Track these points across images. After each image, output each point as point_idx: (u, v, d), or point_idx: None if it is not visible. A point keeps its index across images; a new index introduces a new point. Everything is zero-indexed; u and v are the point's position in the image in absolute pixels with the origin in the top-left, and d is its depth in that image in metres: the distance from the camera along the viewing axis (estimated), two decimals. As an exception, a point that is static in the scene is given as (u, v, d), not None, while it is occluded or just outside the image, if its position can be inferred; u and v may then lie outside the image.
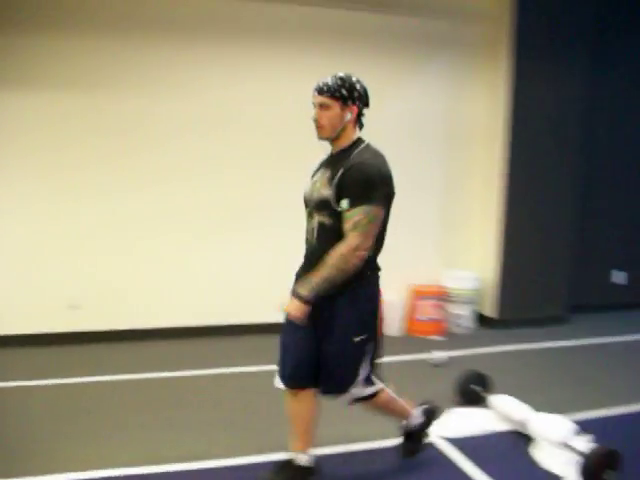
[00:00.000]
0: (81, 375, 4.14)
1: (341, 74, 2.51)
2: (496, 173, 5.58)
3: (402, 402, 2.87)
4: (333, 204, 2.40)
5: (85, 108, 4.71)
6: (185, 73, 4.90)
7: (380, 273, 2.61)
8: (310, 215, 2.56)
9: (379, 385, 2.70)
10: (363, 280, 2.48)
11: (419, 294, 5.42)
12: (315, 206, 2.50)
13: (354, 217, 2.35)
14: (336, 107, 2.47)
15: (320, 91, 2.49)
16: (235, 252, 5.12)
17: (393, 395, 2.80)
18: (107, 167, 4.81)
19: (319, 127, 2.52)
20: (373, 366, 2.64)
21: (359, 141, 2.55)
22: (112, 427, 3.37)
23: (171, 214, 4.97)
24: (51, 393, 3.87)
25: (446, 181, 5.71)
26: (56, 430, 3.31)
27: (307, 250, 2.61)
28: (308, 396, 2.62)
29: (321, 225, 2.48)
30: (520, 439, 3.22)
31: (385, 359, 4.56)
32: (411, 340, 5.24)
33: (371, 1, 5.22)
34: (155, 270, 5.00)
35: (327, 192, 2.42)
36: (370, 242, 2.40)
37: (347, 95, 2.47)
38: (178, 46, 4.85)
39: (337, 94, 2.46)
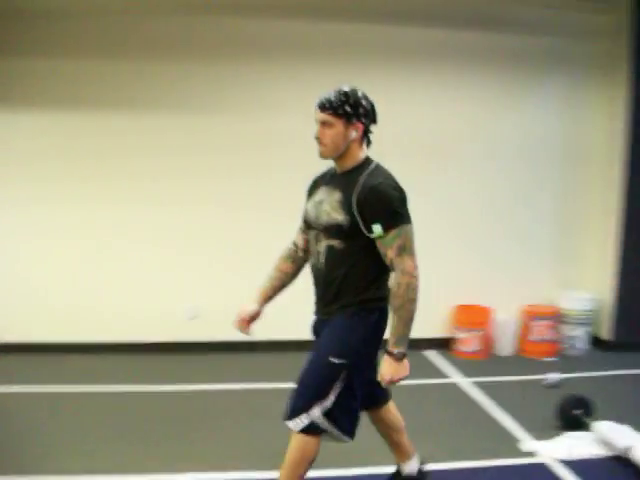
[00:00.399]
0: (184, 383, 4.47)
1: (345, 88, 2.34)
2: (614, 192, 5.50)
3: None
4: (349, 229, 2.29)
5: (187, 129, 5.12)
6: (286, 92, 5.14)
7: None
8: (316, 238, 2.43)
9: (335, 431, 2.38)
10: (370, 305, 2.37)
11: (532, 314, 5.45)
12: (324, 230, 2.36)
13: (395, 242, 2.24)
14: (339, 125, 2.31)
15: (322, 107, 2.32)
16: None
17: (308, 466, 2.44)
18: (229, 185, 5.18)
19: (321, 146, 2.36)
20: (350, 406, 2.38)
21: (368, 161, 2.40)
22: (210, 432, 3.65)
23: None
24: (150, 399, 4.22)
25: (561, 200, 5.70)
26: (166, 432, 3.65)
27: (314, 274, 2.50)
28: (380, 412, 2.73)
29: (330, 248, 2.35)
30: (629, 465, 3.21)
31: (496, 378, 4.68)
32: (523, 361, 5.27)
33: (483, 20, 5.29)
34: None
35: (340, 217, 2.30)
36: (417, 258, 2.28)
37: (351, 112, 2.30)
38: (282, 67, 5.16)
39: (340, 111, 2.29)
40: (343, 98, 2.30)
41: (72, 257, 5.12)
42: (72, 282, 5.14)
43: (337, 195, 2.34)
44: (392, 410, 2.76)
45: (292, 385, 2.44)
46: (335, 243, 2.33)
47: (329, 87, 2.38)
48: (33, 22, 4.82)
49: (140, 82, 5.03)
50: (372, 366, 2.47)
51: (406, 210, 2.30)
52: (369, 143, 2.45)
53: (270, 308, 2.70)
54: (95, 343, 5.11)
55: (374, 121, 2.42)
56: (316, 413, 2.31)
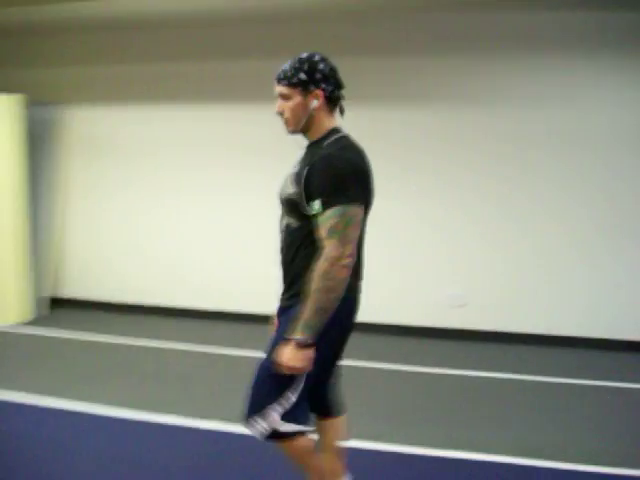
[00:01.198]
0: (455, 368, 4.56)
1: (303, 54, 2.15)
2: None
3: (324, 464, 2.31)
4: (300, 205, 2.06)
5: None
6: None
7: (356, 292, 2.18)
8: (281, 215, 2.23)
9: (304, 428, 2.15)
10: None
11: None
12: (283, 205, 2.18)
13: (328, 221, 1.98)
14: (296, 95, 2.11)
15: (278, 79, 2.15)
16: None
17: (314, 450, 2.24)
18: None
19: (283, 120, 2.19)
20: (304, 401, 2.14)
21: (334, 131, 2.17)
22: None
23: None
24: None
25: None
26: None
27: (279, 256, 2.27)
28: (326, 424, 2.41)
29: (288, 227, 2.16)
30: None
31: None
32: None
33: None
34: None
35: (292, 191, 2.09)
36: (353, 247, 2.00)
37: (307, 79, 2.10)
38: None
39: (294, 80, 2.10)
40: (297, 65, 2.11)
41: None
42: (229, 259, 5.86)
43: (297, 168, 2.14)
44: (337, 428, 2.42)
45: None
46: (292, 221, 2.13)
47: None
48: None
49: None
50: (327, 367, 2.24)
51: (354, 189, 2.02)
52: (342, 112, 2.24)
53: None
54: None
55: (339, 86, 2.18)
56: (273, 416, 2.08)
